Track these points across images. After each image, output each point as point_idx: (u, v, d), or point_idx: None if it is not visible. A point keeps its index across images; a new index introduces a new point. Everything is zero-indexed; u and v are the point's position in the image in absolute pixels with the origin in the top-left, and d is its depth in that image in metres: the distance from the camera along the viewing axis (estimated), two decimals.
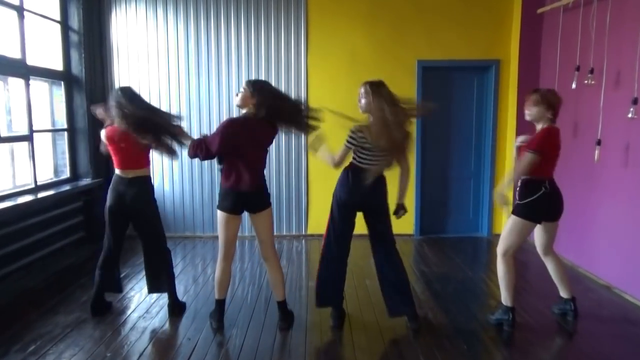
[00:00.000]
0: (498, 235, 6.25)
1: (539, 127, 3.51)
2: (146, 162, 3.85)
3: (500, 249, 3.69)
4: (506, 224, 3.67)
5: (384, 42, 6.08)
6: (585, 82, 4.53)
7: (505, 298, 3.68)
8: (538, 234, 3.80)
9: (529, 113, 3.52)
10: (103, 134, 3.79)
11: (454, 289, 4.46)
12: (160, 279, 3.95)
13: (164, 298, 4.23)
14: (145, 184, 3.82)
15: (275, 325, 3.68)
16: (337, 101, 6.04)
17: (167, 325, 3.72)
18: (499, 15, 6.05)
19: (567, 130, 5.12)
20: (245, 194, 3.40)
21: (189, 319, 3.84)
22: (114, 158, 3.78)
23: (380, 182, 3.54)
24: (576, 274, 4.88)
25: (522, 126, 5.89)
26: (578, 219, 4.97)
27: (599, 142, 4.43)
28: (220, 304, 3.66)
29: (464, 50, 6.09)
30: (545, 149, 3.40)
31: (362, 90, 3.49)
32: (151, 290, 4.04)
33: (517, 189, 3.59)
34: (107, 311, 3.94)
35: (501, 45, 6.08)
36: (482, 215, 6.44)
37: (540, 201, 3.48)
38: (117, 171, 3.78)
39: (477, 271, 5.14)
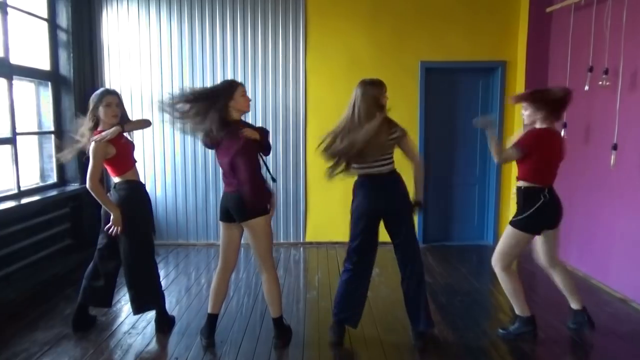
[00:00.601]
0: None
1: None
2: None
3: (500, 263, 3.46)
4: (504, 236, 3.45)
5: (385, 43, 5.86)
6: (600, 83, 4.30)
7: (520, 309, 3.48)
8: (540, 245, 3.58)
9: (523, 116, 3.44)
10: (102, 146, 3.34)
11: (461, 302, 4.20)
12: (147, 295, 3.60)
13: (150, 312, 3.98)
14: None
15: (271, 341, 3.41)
16: (335, 104, 5.82)
17: (154, 343, 3.46)
18: (505, 15, 5.83)
19: (579, 134, 4.89)
20: (226, 200, 3.23)
21: (178, 335, 3.58)
22: (122, 165, 3.47)
23: (396, 185, 3.31)
24: (590, 285, 4.63)
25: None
26: (592, 227, 4.73)
27: (615, 147, 4.19)
28: (212, 319, 3.40)
29: (469, 51, 5.87)
30: (529, 150, 3.26)
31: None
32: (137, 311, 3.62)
33: (516, 198, 3.44)
34: (90, 326, 3.67)
35: (507, 46, 5.86)
36: (487, 222, 6.20)
37: (539, 211, 3.29)
38: (131, 176, 3.51)
39: (484, 282, 4.89)
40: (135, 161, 3.62)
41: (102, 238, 3.59)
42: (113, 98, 3.46)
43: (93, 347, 3.35)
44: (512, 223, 3.39)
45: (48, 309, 4.01)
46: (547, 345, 3.45)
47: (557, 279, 3.61)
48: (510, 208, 6.02)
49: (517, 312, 3.52)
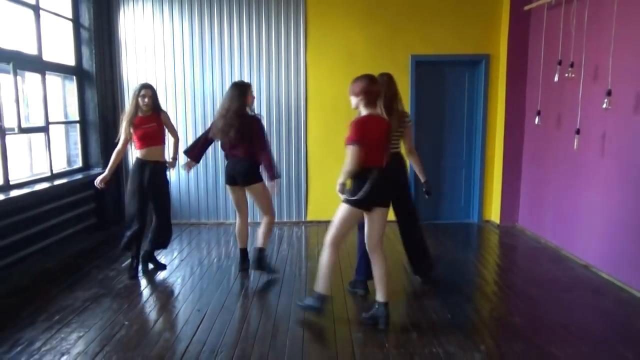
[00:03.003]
0: (488, 222, 6.66)
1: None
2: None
3: (330, 238, 3.59)
4: (337, 213, 3.57)
5: (380, 38, 6.39)
6: (566, 75, 4.84)
7: (322, 286, 3.63)
8: (367, 227, 3.62)
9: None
10: None
11: (445, 271, 4.76)
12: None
13: (174, 277, 4.59)
14: None
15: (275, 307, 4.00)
16: (333, 94, 6.38)
17: (178, 299, 4.05)
18: (489, 12, 6.35)
19: (551, 120, 5.44)
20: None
21: (197, 295, 4.17)
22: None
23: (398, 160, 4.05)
24: (560, 255, 5.20)
25: (511, 119, 6.23)
26: (561, 203, 5.30)
27: (578, 132, 4.74)
28: (243, 252, 4.76)
29: (456, 45, 6.39)
30: (361, 138, 3.34)
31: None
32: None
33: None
34: (161, 268, 4.76)
35: (491, 41, 6.39)
36: (473, 202, 6.77)
37: (370, 191, 3.40)
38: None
39: (467, 254, 5.46)
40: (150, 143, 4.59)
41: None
42: (147, 91, 4.41)
43: (127, 302, 3.95)
44: (344, 200, 3.53)
45: (83, 275, 4.60)
46: (512, 300, 4.04)
47: (373, 266, 3.64)
48: (494, 189, 6.60)
49: (318, 288, 3.65)
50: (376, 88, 3.50)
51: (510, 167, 6.32)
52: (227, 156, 4.53)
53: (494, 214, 6.63)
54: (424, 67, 6.44)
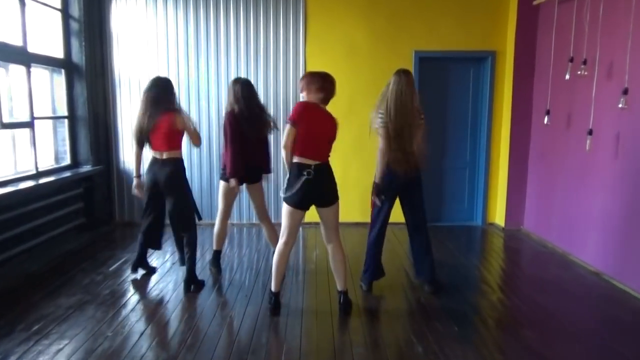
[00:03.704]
0: (492, 225, 6.43)
1: None
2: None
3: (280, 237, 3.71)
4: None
5: (382, 32, 6.15)
6: (579, 72, 4.61)
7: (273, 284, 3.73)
8: (320, 222, 3.75)
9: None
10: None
11: (448, 276, 4.55)
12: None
13: (164, 282, 4.35)
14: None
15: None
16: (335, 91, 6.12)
17: (167, 307, 3.82)
18: (496, 7, 6.11)
19: (561, 120, 5.21)
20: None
21: (188, 301, 3.94)
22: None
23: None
24: (568, 261, 4.98)
25: (518, 117, 6.00)
26: (571, 207, 5.07)
27: (590, 132, 4.51)
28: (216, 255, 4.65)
29: (461, 41, 6.15)
30: (299, 120, 3.44)
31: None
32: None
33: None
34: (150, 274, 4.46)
35: (497, 37, 6.15)
36: (476, 204, 6.55)
37: (302, 188, 3.48)
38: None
39: (471, 258, 5.25)
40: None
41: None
42: None
43: (112, 310, 3.71)
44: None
45: (68, 279, 4.36)
46: (520, 311, 3.81)
47: (330, 257, 3.78)
48: (499, 191, 6.38)
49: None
50: (317, 83, 3.61)
51: (516, 167, 6.09)
52: (245, 154, 4.31)
53: (498, 216, 6.41)
54: (427, 63, 6.20)
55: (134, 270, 4.46)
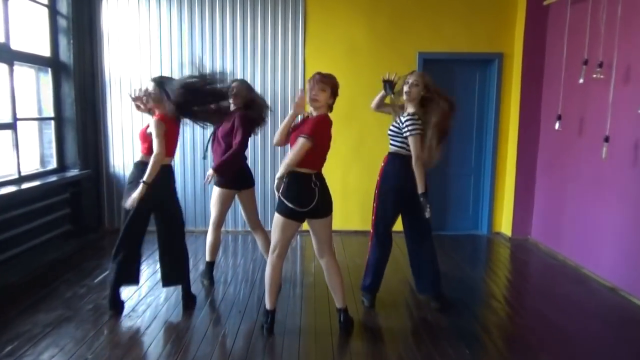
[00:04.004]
0: (498, 234, 6.17)
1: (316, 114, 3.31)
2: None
3: (272, 252, 3.38)
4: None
5: (384, 32, 5.90)
6: (594, 76, 4.35)
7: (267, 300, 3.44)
8: (312, 235, 3.46)
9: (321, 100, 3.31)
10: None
11: (454, 289, 4.28)
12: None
13: (152, 295, 4.07)
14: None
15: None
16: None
17: (153, 325, 3.53)
18: (503, 7, 5.87)
19: (573, 126, 4.96)
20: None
21: (177, 318, 3.66)
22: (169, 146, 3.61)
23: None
24: (581, 275, 4.72)
25: (526, 121, 5.76)
26: (584, 218, 4.81)
27: (607, 139, 4.26)
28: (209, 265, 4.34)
29: (467, 42, 5.91)
30: (318, 136, 3.18)
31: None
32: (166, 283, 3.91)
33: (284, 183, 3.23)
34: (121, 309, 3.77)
35: (505, 38, 5.90)
36: (482, 212, 6.28)
37: (312, 199, 3.23)
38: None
39: (477, 270, 4.99)
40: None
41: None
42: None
43: (94, 329, 3.42)
44: (277, 208, 3.36)
45: (49, 292, 4.07)
46: (532, 330, 3.54)
47: (325, 272, 3.50)
48: (505, 199, 6.12)
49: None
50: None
51: (524, 174, 5.83)
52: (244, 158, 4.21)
53: (504, 225, 6.14)
54: (432, 66, 5.94)
55: (113, 307, 3.73)
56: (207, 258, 4.37)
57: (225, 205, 4.20)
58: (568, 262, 5.03)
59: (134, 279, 3.81)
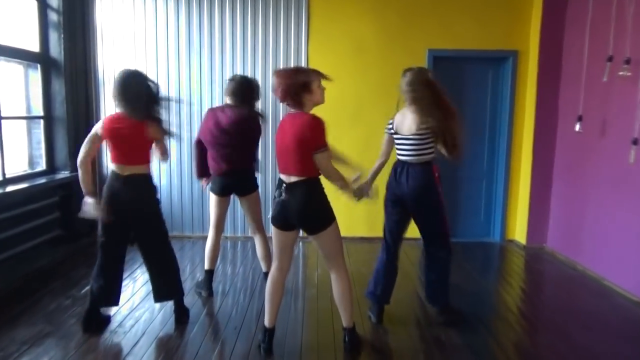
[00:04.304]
0: (512, 242, 5.85)
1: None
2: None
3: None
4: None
5: (392, 28, 5.59)
6: (620, 73, 4.04)
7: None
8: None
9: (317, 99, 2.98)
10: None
11: (467, 303, 3.96)
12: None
13: (143, 307, 3.78)
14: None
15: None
16: (339, 91, 5.58)
17: (141, 342, 3.23)
18: (518, 1, 5.55)
19: (595, 127, 4.64)
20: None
21: (168, 332, 3.36)
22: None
23: (418, 173, 3.40)
24: (603, 287, 4.39)
25: (542, 122, 5.45)
26: (607, 226, 4.49)
27: (635, 142, 3.94)
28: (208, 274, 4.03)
29: (479, 39, 5.59)
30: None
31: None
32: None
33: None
34: (103, 327, 3.42)
35: (519, 34, 5.59)
36: (494, 219, 5.96)
37: (276, 207, 3.01)
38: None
39: (491, 281, 4.69)
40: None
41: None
42: None
43: (75, 347, 3.12)
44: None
45: (31, 304, 3.78)
46: (556, 349, 3.23)
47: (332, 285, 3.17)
48: (519, 204, 5.80)
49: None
50: None
51: (540, 178, 5.51)
52: None
53: (518, 232, 5.82)
54: (442, 64, 5.63)
55: (87, 328, 3.35)
56: (206, 266, 4.09)
57: (219, 209, 3.98)
58: (589, 273, 4.70)
59: (112, 300, 3.44)
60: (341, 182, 2.92)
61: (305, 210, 2.87)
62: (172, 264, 3.51)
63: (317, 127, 2.80)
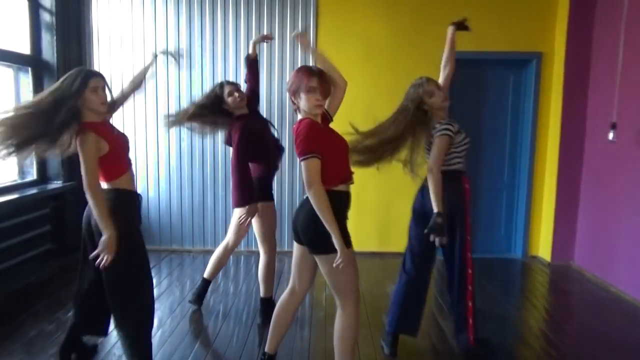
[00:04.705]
0: (535, 258, 5.44)
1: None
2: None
3: None
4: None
5: (406, 30, 5.25)
6: None
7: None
8: None
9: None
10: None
11: (493, 331, 3.56)
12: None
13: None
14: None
15: None
16: (349, 97, 5.22)
17: None
18: (543, 1, 5.18)
19: (630, 136, 4.25)
20: None
21: (167, 356, 3.02)
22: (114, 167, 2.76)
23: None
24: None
25: (569, 130, 5.06)
26: None
27: None
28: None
29: (499, 40, 5.22)
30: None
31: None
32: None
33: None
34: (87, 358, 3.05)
35: (544, 35, 5.21)
36: (516, 233, 5.57)
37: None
38: (124, 183, 2.77)
39: (514, 302, 4.31)
40: (130, 163, 2.86)
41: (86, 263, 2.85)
42: (99, 80, 2.71)
43: None
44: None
45: (11, 330, 3.44)
46: None
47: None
48: (543, 217, 5.40)
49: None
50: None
51: (566, 190, 5.11)
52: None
53: (542, 248, 5.41)
54: (460, 67, 5.09)
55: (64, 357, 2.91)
56: (206, 275, 3.84)
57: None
58: (624, 297, 4.29)
59: (99, 329, 3.01)
60: (325, 216, 2.37)
61: (299, 221, 2.54)
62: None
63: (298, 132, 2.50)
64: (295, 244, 2.69)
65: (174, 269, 4.95)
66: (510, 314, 3.98)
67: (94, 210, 2.54)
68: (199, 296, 3.89)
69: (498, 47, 5.23)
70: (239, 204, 3.43)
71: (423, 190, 3.11)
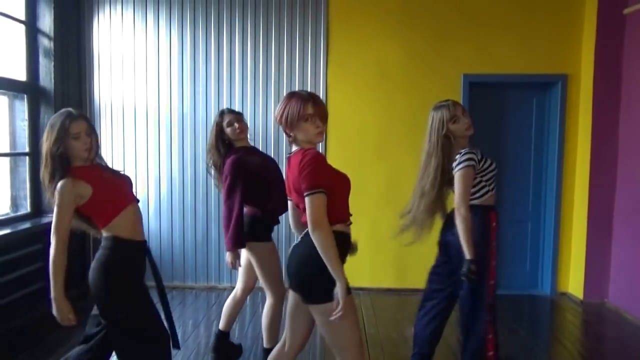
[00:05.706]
0: (565, 295, 5.02)
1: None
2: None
3: None
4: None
5: (422, 52, 4.98)
6: None
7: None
8: None
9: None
10: None
11: None
12: None
13: None
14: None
15: None
16: (360, 123, 4.98)
17: None
18: (567, 19, 4.90)
19: None
20: None
21: None
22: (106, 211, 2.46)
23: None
24: None
25: (599, 157, 4.71)
26: None
27: None
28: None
29: (522, 62, 4.94)
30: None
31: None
32: None
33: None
34: None
35: (569, 56, 4.92)
36: (543, 268, 5.17)
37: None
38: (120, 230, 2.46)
39: (543, 345, 3.93)
40: (129, 203, 2.52)
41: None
42: (80, 124, 2.43)
43: None
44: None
45: None
46: None
47: None
48: (573, 251, 5.01)
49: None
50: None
51: (598, 222, 4.73)
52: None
53: (573, 284, 5.00)
54: (479, 90, 5.00)
55: None
56: (221, 326, 3.48)
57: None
58: None
59: None
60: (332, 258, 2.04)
61: (293, 263, 2.21)
62: None
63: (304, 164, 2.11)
64: (290, 291, 2.34)
65: (175, 307, 4.63)
66: (539, 357, 3.61)
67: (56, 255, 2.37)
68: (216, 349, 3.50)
69: (520, 69, 4.95)
70: (226, 247, 3.13)
71: (447, 224, 2.88)
